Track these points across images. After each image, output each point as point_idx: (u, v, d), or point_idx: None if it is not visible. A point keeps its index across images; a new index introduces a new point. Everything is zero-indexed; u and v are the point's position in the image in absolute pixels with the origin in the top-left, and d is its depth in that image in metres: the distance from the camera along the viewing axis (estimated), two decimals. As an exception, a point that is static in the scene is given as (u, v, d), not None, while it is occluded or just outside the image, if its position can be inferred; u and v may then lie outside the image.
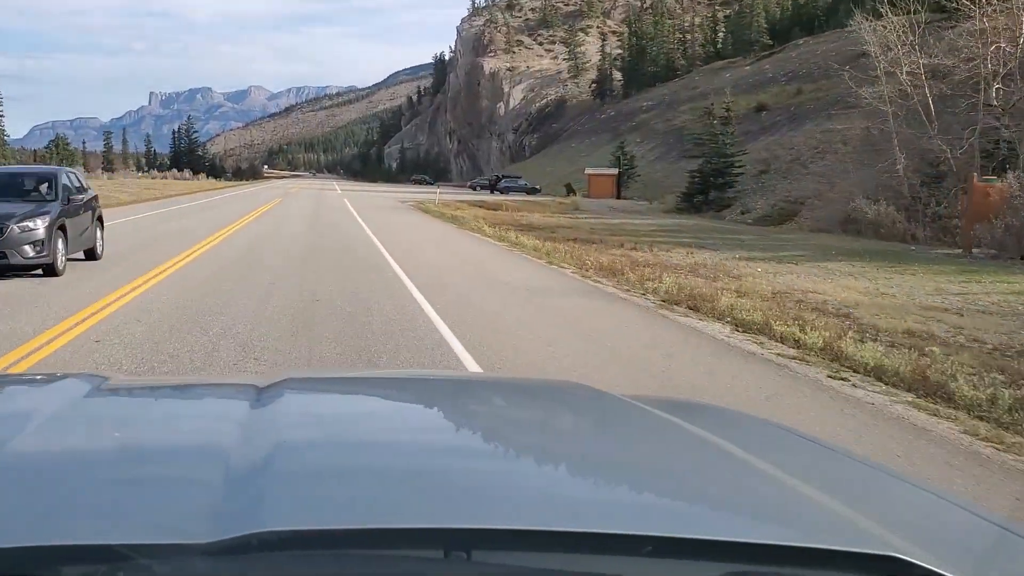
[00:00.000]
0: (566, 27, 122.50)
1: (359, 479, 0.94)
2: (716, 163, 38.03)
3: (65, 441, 1.14)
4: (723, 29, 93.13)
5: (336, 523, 0.75)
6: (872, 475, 1.24)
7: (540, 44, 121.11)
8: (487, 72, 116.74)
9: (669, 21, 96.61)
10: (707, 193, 38.46)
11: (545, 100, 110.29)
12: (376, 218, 24.39)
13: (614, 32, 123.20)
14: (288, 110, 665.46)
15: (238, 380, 3.00)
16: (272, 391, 1.38)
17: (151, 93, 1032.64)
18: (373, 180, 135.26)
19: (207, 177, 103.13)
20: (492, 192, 56.26)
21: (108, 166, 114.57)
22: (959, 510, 1.01)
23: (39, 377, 2.68)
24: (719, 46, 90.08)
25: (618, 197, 47.81)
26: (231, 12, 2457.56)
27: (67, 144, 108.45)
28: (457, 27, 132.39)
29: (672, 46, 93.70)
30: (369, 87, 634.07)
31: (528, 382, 2.53)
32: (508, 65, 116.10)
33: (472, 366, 5.86)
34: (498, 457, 1.20)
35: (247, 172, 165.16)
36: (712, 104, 41.54)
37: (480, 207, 36.57)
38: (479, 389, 1.90)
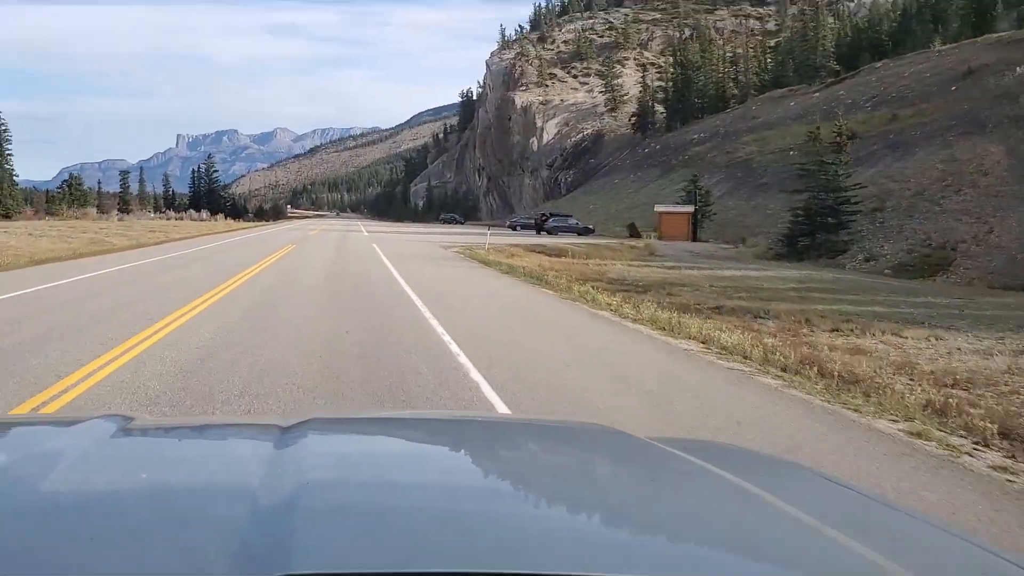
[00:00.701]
0: (601, 59, 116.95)
1: (386, 521, 0.96)
2: (826, 199, 30.90)
3: (91, 482, 1.17)
4: (772, 58, 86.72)
5: (364, 566, 0.76)
6: (904, 521, 1.24)
7: (574, 77, 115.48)
8: (519, 106, 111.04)
9: (718, 51, 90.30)
10: (814, 235, 31.35)
11: (581, 134, 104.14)
12: (421, 275, 17.47)
13: (653, 64, 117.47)
14: (313, 151, 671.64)
15: (262, 420, 3.05)
16: (296, 431, 1.41)
17: (178, 135, 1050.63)
18: (399, 219, 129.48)
19: (225, 218, 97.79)
20: (538, 232, 49.49)
21: (124, 207, 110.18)
22: (990, 556, 1.01)
23: (65, 418, 2.74)
24: (769, 75, 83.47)
25: (694, 238, 40.68)
26: (257, 56, 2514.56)
27: (80, 184, 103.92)
28: (486, 61, 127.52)
29: (721, 75, 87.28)
30: (392, 127, 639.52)
31: (555, 424, 2.46)
32: (541, 99, 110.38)
33: None
34: (526, 501, 1.22)
35: (269, 212, 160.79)
36: (818, 127, 34.38)
37: (539, 252, 29.66)
38: (506, 431, 1.89)
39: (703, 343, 9.44)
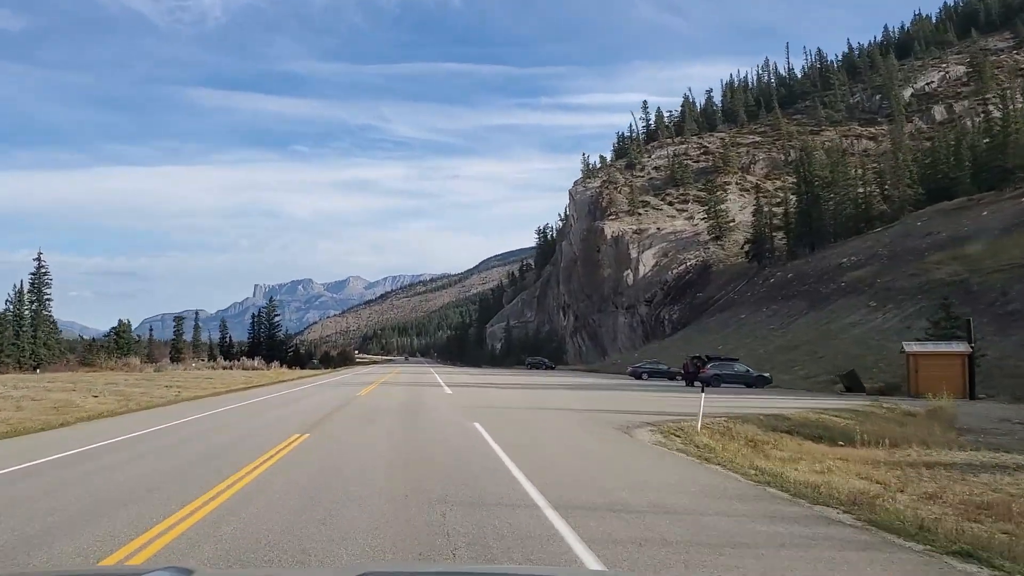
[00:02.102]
0: (700, 184, 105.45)
1: None
2: None
3: None
4: (925, 168, 72.80)
5: None
6: None
7: (670, 204, 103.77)
8: (609, 236, 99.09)
9: (853, 168, 77.26)
10: None
11: (683, 265, 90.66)
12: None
13: (758, 187, 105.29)
14: (383, 297, 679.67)
15: (318, 574, 3.01)
16: None
17: (256, 285, 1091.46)
18: (474, 364, 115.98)
19: (282, 365, 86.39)
20: (690, 384, 34.77)
21: (176, 356, 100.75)
22: None
23: (124, 571, 2.74)
24: (923, 187, 69.24)
25: (971, 393, 25.21)
26: (331, 211, 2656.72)
27: (127, 331, 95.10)
28: (569, 191, 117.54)
29: (861, 192, 73.58)
30: (461, 273, 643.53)
31: None
32: (634, 227, 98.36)
33: None
34: None
35: (336, 358, 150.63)
36: None
37: (793, 434, 14.98)
38: None
39: None
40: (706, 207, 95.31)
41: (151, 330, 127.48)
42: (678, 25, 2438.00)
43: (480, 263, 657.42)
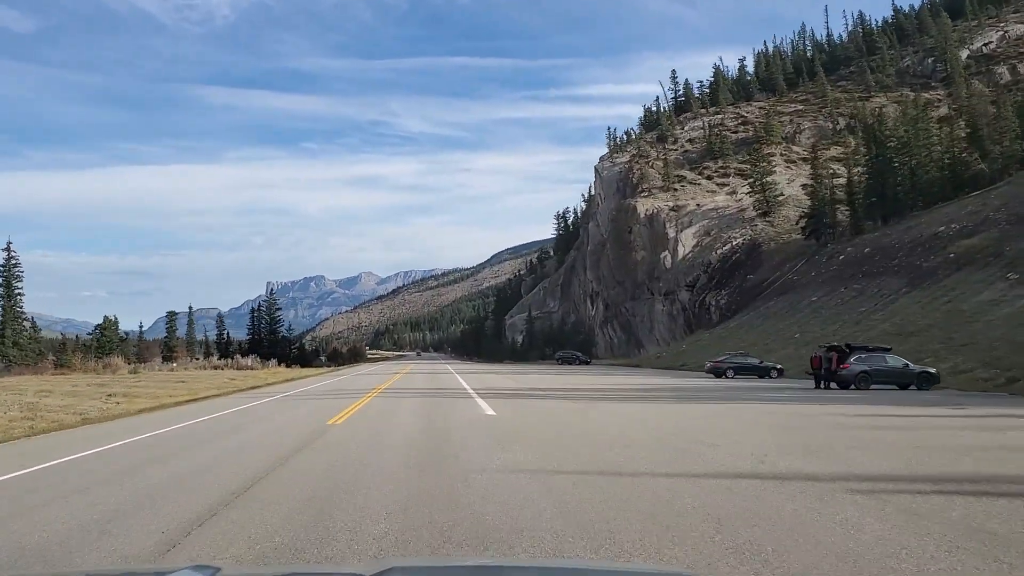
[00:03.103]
0: (739, 157, 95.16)
1: None
2: None
3: None
4: None
5: None
6: None
7: (708, 178, 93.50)
8: (642, 215, 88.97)
9: (936, 128, 66.75)
10: None
11: (729, 245, 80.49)
12: None
13: (811, 158, 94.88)
14: (395, 292, 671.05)
15: (343, 569, 2.94)
16: None
17: (267, 283, 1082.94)
18: (495, 359, 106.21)
19: (279, 364, 77.11)
20: (824, 385, 25.00)
21: (169, 354, 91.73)
22: None
23: (152, 570, 2.73)
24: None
25: None
26: (341, 207, 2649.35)
27: (113, 328, 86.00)
28: (595, 167, 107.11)
29: (950, 153, 63.16)
30: (473, 267, 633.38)
31: (644, 572, 2.24)
32: (670, 204, 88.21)
33: None
34: None
35: (346, 355, 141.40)
36: None
37: None
38: None
39: None
40: (751, 180, 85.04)
41: (166, 328, 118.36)
42: (689, 15, 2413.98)
43: (492, 256, 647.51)
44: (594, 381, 33.43)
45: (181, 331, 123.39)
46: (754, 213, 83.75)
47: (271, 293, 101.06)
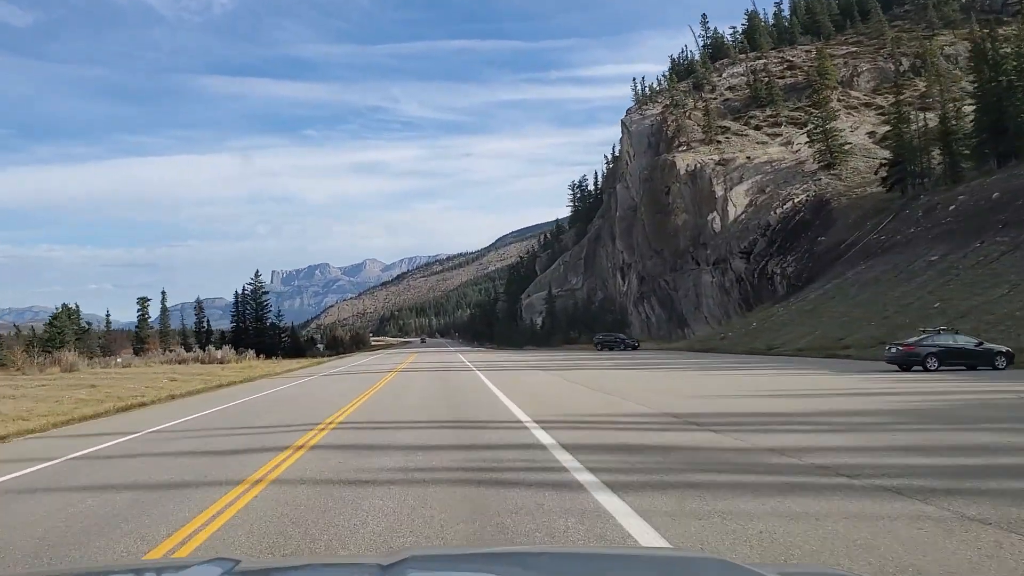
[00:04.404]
0: (790, 105, 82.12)
1: None
2: None
3: None
4: None
5: None
6: None
7: (756, 128, 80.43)
8: (682, 172, 76.05)
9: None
10: None
11: (789, 203, 67.67)
12: None
13: (867, 104, 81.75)
14: (400, 278, 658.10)
15: (362, 560, 3.00)
16: (396, 570, 1.35)
17: (273, 271, 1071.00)
18: (513, 344, 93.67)
19: (258, 355, 64.91)
20: None
21: (139, 346, 79.67)
22: None
23: (170, 564, 2.68)
24: None
25: None
26: (344, 194, 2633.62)
27: (73, 317, 74.08)
28: (622, 121, 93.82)
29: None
30: (478, 251, 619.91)
31: (667, 557, 2.30)
32: (716, 158, 75.30)
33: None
34: None
35: (348, 342, 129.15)
36: None
37: None
38: (616, 565, 1.71)
39: None
40: (808, 129, 72.15)
41: (138, 317, 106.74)
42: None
43: (496, 240, 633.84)
44: (707, 386, 20.86)
45: (175, 323, 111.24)
46: (816, 165, 70.95)
47: (256, 275, 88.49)
